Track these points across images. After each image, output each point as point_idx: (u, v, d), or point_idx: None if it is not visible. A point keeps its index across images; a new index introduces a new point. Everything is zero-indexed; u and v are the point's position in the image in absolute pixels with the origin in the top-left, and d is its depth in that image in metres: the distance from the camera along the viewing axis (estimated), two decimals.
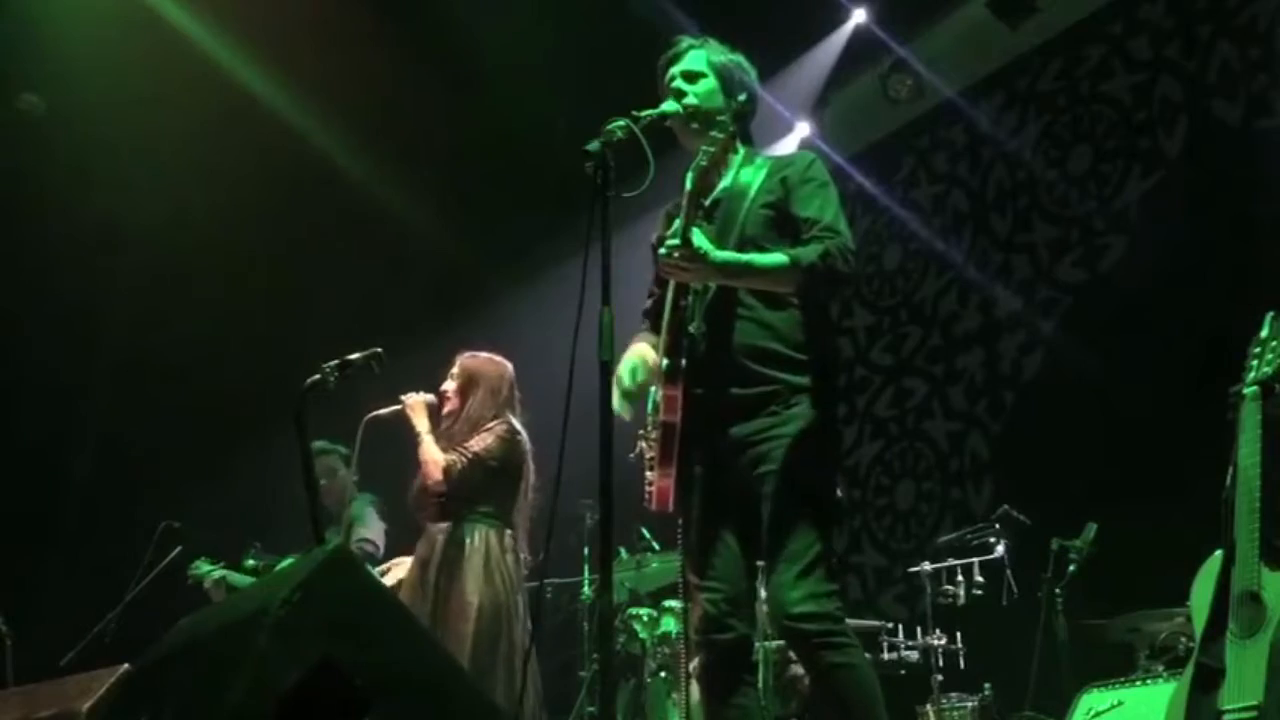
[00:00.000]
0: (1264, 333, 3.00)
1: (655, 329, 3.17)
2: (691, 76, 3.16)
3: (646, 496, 2.99)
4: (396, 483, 4.66)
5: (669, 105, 3.10)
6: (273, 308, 7.44)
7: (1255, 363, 2.97)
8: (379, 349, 3.51)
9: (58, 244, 7.13)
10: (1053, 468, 5.89)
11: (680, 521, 3.07)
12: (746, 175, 3.11)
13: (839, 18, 7.10)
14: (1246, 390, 2.94)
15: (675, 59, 3.20)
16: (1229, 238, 5.51)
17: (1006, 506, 5.09)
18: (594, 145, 2.73)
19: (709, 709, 3.00)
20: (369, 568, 4.16)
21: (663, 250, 2.86)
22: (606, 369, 2.61)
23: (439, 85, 7.03)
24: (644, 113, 2.96)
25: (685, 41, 3.24)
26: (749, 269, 2.91)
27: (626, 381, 3.01)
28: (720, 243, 2.96)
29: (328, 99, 6.90)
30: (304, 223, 7.35)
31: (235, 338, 7.44)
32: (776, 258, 2.92)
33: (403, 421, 4.42)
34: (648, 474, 3.00)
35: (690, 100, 3.11)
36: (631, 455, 3.10)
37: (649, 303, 3.28)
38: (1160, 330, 5.61)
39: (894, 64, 7.16)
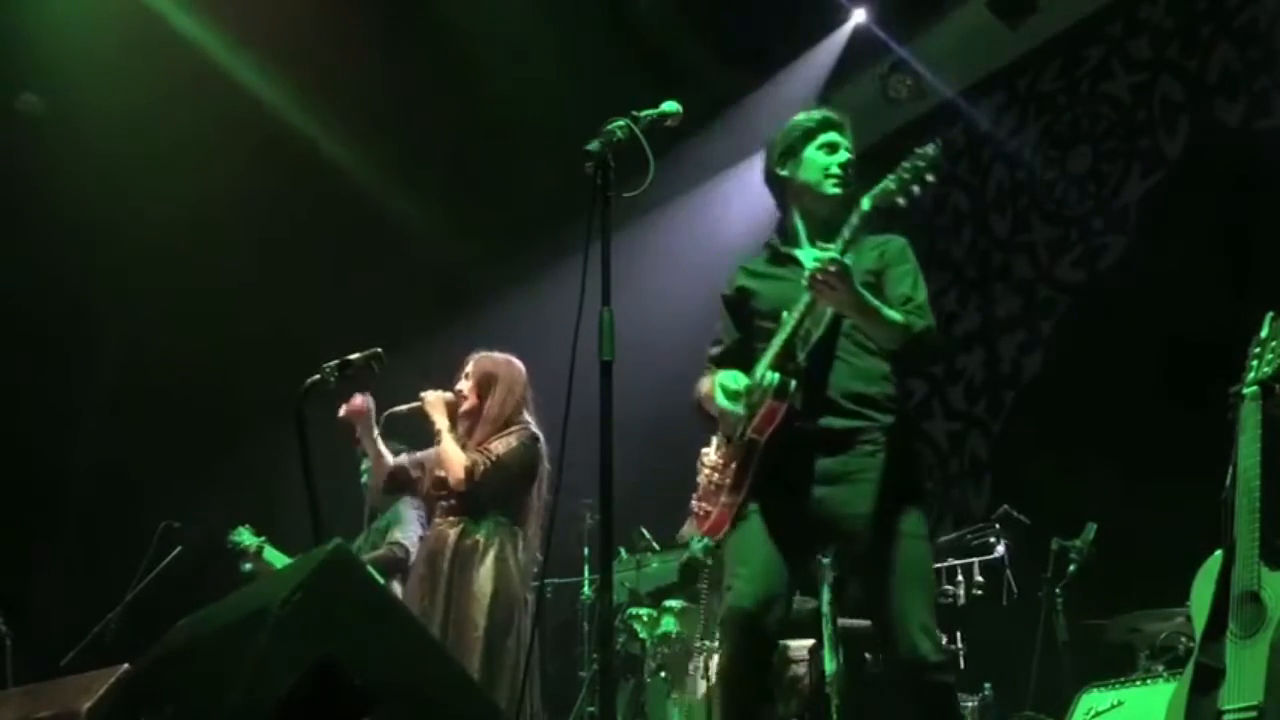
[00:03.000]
0: (1264, 333, 3.00)
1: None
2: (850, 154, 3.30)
3: (696, 516, 3.09)
4: None
5: (670, 105, 3.11)
6: (273, 307, 7.43)
7: (1255, 363, 2.97)
8: (379, 349, 3.51)
9: (58, 244, 7.12)
10: (1053, 468, 5.88)
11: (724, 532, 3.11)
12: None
13: (839, 18, 7.08)
14: (1246, 390, 2.94)
15: (838, 127, 3.33)
16: (1229, 238, 5.51)
17: (1006, 506, 5.09)
18: (594, 145, 2.74)
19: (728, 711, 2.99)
20: (370, 569, 4.15)
21: (815, 260, 2.90)
22: (607, 369, 2.61)
23: (439, 85, 7.02)
24: (644, 113, 2.96)
25: (844, 118, 3.37)
26: (875, 312, 2.99)
27: (731, 385, 3.07)
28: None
29: (329, 99, 6.89)
30: (304, 222, 7.35)
31: (236, 337, 7.45)
32: (895, 315, 3.03)
33: (421, 418, 4.42)
34: (694, 502, 3.12)
35: (848, 174, 3.26)
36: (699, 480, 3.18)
37: (716, 350, 3.32)
38: (1160, 330, 5.60)
39: (894, 64, 7.14)
